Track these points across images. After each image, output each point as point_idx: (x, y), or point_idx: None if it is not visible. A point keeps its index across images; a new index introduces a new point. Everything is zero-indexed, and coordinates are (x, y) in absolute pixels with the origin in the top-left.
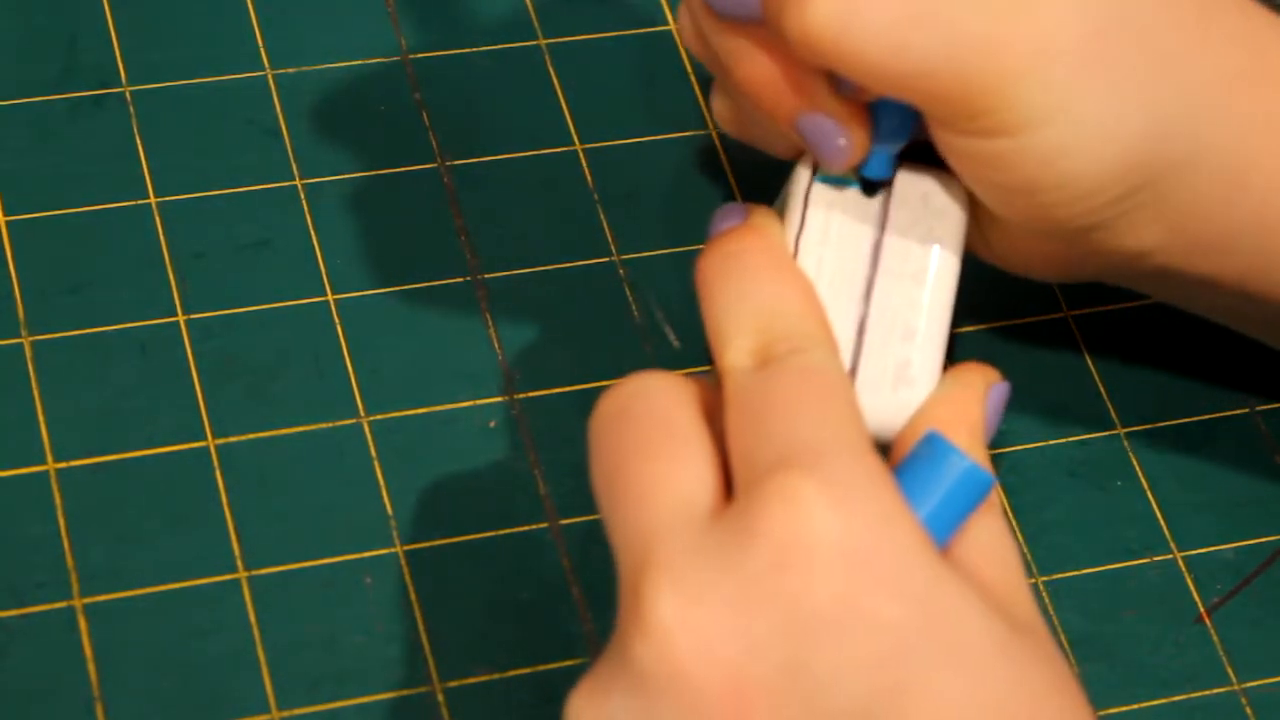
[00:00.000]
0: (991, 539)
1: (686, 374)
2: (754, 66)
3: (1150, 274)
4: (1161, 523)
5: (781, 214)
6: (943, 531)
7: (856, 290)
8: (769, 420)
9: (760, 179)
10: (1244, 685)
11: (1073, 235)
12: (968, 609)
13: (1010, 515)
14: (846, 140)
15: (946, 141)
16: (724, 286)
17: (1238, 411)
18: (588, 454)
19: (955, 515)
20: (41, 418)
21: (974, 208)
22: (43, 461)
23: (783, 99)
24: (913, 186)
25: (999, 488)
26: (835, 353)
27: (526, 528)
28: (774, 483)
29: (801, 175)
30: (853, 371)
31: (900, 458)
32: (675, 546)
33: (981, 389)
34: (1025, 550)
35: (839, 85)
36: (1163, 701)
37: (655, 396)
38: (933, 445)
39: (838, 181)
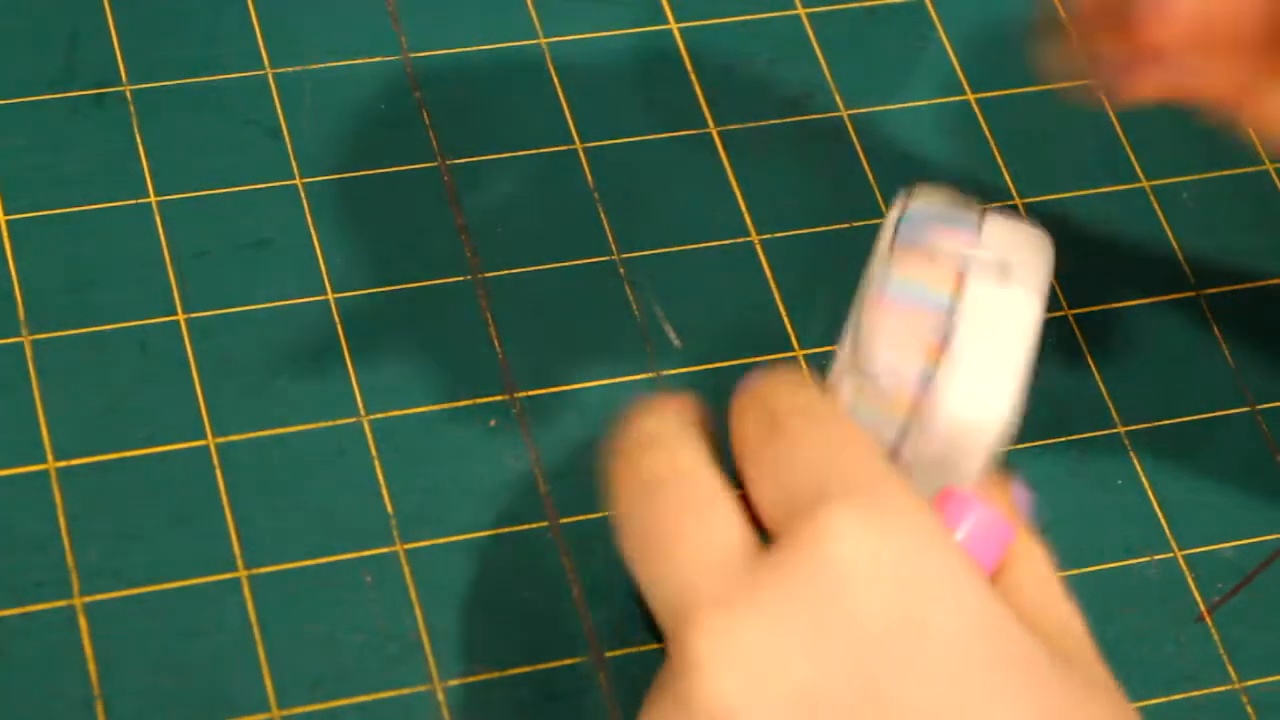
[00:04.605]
0: (1037, 577)
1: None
2: None
3: None
4: (1162, 522)
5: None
6: None
7: (907, 395)
8: (797, 462)
9: (762, 180)
10: (1245, 684)
11: None
12: (1020, 628)
13: None
14: None
15: None
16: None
17: (1238, 411)
18: (618, 524)
19: (981, 562)
20: (41, 417)
21: None
22: (43, 461)
23: None
24: (983, 303)
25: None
26: (836, 402)
27: (526, 527)
28: (816, 515)
29: (885, 243)
30: (895, 450)
31: None
32: (716, 589)
33: (1010, 502)
34: None
35: None
36: (1163, 700)
37: (668, 451)
38: (953, 498)
39: (912, 290)
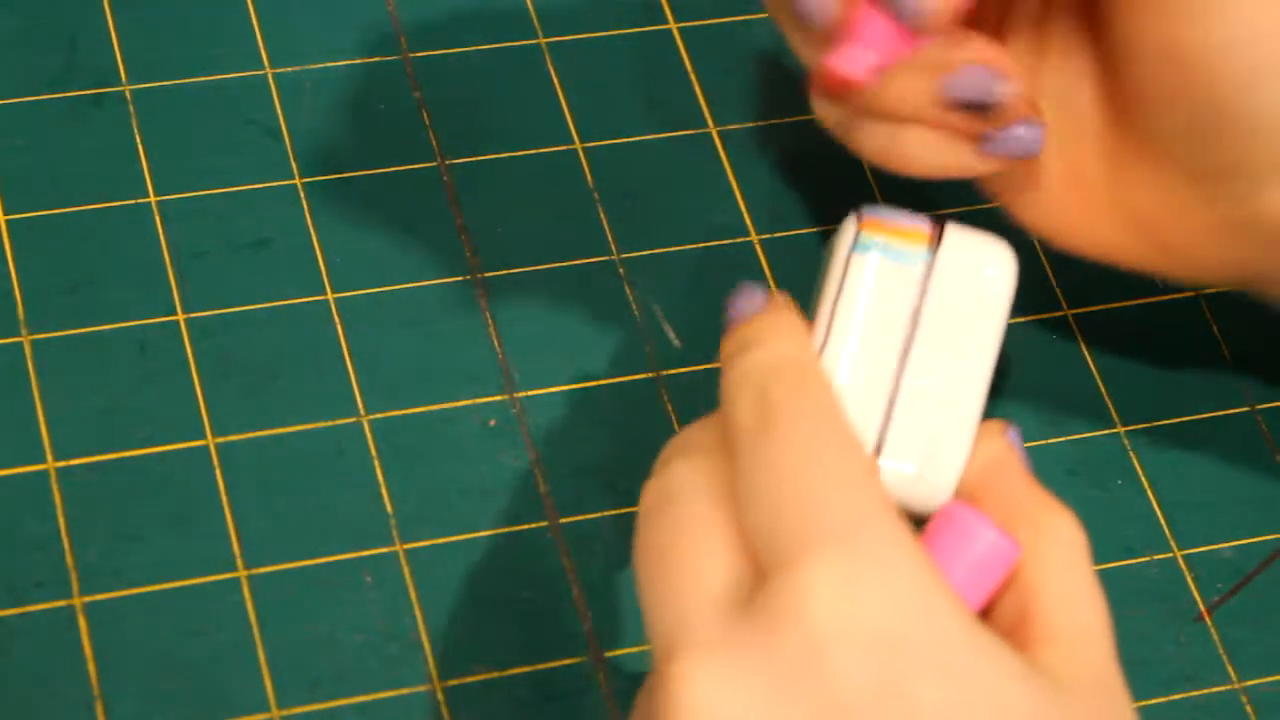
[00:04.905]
0: (1068, 584)
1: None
2: None
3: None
4: (1161, 522)
5: (824, 273)
6: (972, 600)
7: (890, 362)
8: (780, 493)
9: (762, 180)
10: (1244, 684)
11: (1240, 188)
12: (1008, 677)
13: None
14: None
15: (1124, 31)
16: (732, 363)
17: (1238, 411)
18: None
19: (983, 585)
20: (41, 417)
21: (1126, 184)
22: (42, 460)
23: None
24: (957, 257)
25: None
26: (832, 394)
27: (526, 527)
28: (795, 566)
29: (846, 232)
30: (879, 447)
31: (924, 531)
32: (701, 635)
33: (1007, 441)
34: None
35: None
36: (1163, 700)
37: (681, 483)
38: (958, 518)
39: (883, 250)
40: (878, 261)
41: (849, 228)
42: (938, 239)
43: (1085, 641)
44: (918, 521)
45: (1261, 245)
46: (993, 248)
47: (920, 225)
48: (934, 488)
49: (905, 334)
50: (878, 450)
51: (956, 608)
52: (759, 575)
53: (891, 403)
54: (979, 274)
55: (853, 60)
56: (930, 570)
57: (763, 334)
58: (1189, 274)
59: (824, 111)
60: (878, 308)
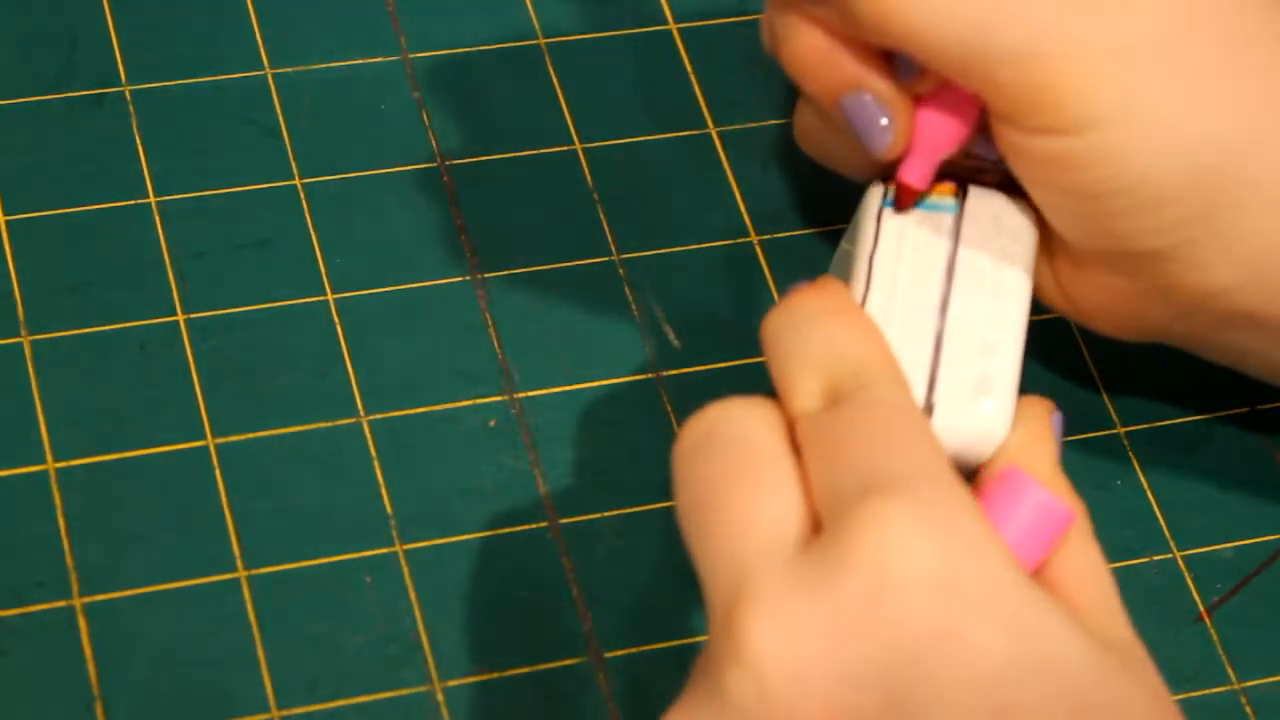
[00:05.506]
0: (1083, 561)
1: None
2: (805, 40)
3: (1222, 321)
4: (1161, 522)
5: (853, 235)
6: (1025, 563)
7: (932, 305)
8: (848, 452)
9: (762, 180)
10: (1244, 684)
11: (1140, 263)
12: (1061, 631)
13: None
14: (889, 122)
15: (1011, 140)
16: (785, 337)
17: (1238, 411)
18: (673, 485)
19: (1036, 547)
20: (41, 417)
21: (1044, 243)
22: (42, 461)
23: (829, 76)
24: (983, 208)
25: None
26: (905, 386)
27: (526, 527)
28: (862, 510)
29: (874, 195)
30: (931, 386)
31: (980, 493)
32: (769, 577)
33: (1049, 420)
34: None
35: (899, 73)
36: None
37: (739, 423)
38: (1013, 480)
39: (915, 202)
40: (910, 213)
41: (875, 191)
42: (962, 194)
43: (1111, 612)
44: (969, 476)
45: (1170, 313)
46: (1012, 200)
47: (945, 182)
48: (986, 432)
49: (943, 280)
50: (929, 393)
51: (1009, 560)
52: (816, 523)
53: (937, 349)
54: (1005, 220)
55: (918, 172)
56: (986, 525)
57: (812, 302)
58: (1112, 334)
59: (804, 139)
60: (914, 257)
